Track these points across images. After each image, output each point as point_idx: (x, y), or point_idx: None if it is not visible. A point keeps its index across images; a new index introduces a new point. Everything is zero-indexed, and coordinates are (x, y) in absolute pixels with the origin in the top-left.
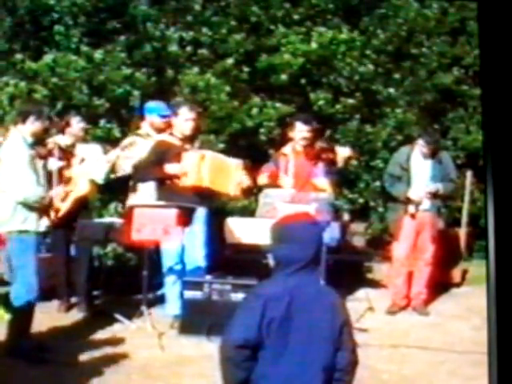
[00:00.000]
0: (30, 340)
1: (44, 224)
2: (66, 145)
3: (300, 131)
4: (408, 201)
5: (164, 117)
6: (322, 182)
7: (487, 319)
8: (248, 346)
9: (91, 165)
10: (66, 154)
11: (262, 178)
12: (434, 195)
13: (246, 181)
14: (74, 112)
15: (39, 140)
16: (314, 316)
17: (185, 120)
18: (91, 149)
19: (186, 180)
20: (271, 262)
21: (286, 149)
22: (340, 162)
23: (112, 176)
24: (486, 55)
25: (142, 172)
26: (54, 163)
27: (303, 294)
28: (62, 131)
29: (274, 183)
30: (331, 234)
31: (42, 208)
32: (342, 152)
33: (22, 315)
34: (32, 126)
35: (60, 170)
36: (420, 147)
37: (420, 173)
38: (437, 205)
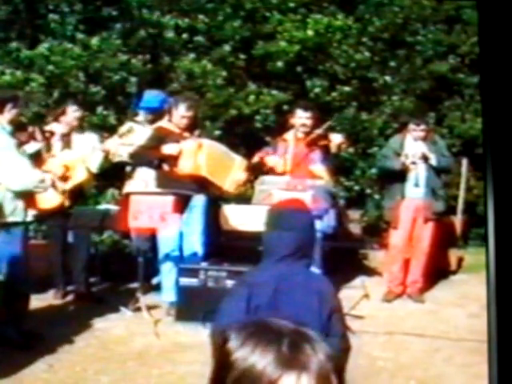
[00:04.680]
0: (18, 327)
1: (31, 213)
2: (62, 133)
3: (300, 118)
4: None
5: (146, 109)
6: (319, 168)
7: (487, 307)
8: None
9: (87, 153)
10: (46, 135)
11: (255, 158)
12: (425, 159)
13: (243, 180)
14: (71, 101)
15: (18, 126)
16: (301, 303)
17: (181, 117)
18: (87, 137)
19: (182, 168)
20: (262, 248)
21: (288, 135)
22: (333, 149)
23: (107, 164)
24: (484, 42)
25: (139, 156)
26: (33, 146)
27: (290, 281)
28: (57, 119)
29: (263, 162)
30: (327, 221)
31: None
32: (335, 139)
33: (11, 305)
34: (9, 114)
35: (40, 153)
36: (412, 132)
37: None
38: (431, 186)
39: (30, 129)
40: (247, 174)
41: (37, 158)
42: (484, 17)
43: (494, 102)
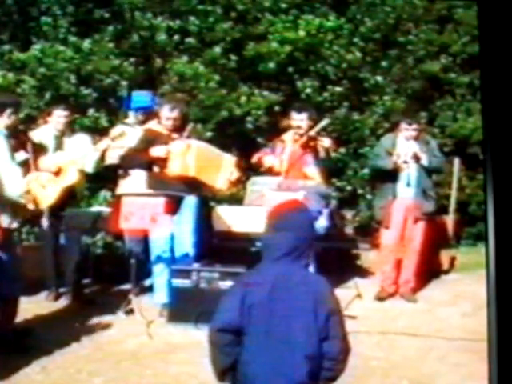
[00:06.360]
0: (12, 329)
1: (17, 221)
2: (54, 134)
3: (294, 120)
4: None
5: (138, 110)
6: (312, 170)
7: (487, 306)
8: (229, 330)
9: (80, 154)
10: (36, 147)
11: (254, 158)
12: (417, 159)
13: (236, 177)
14: (62, 106)
15: (13, 133)
16: (297, 303)
17: (166, 118)
18: (80, 139)
19: (171, 169)
20: (260, 249)
21: (286, 136)
22: (321, 153)
23: (103, 164)
24: (484, 39)
25: (129, 159)
26: (21, 155)
27: (287, 281)
28: (45, 121)
29: (261, 162)
30: (320, 221)
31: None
32: (324, 142)
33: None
34: (8, 119)
35: (28, 162)
36: (403, 131)
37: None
38: (422, 187)
39: (23, 138)
40: (239, 171)
41: (23, 167)
42: (484, 14)
43: (494, 101)
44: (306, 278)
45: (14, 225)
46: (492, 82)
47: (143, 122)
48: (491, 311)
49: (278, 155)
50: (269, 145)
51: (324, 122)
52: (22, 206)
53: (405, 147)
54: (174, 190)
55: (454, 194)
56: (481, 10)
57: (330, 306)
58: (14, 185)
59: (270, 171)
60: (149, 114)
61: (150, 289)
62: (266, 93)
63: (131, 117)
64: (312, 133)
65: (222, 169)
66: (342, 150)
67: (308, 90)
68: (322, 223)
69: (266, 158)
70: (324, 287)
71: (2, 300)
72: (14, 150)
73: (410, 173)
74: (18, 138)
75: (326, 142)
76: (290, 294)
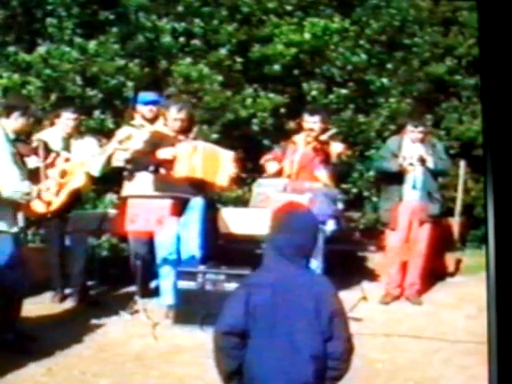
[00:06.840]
0: (14, 331)
1: (17, 226)
2: (62, 136)
3: (306, 122)
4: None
5: (147, 103)
6: (323, 174)
7: (487, 308)
8: (234, 333)
9: (87, 158)
10: (50, 153)
11: (262, 160)
12: (423, 161)
13: (235, 172)
14: (71, 108)
15: (21, 137)
16: (300, 305)
17: (173, 120)
18: (86, 142)
19: (178, 171)
20: (263, 250)
21: (297, 137)
22: (333, 158)
23: (109, 167)
24: (484, 42)
25: (136, 161)
26: (34, 162)
27: (290, 283)
28: (52, 124)
29: (264, 167)
30: (328, 225)
31: (26, 204)
32: (335, 148)
33: (6, 310)
34: (15, 122)
35: (39, 169)
36: (409, 133)
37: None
38: (427, 189)
39: (35, 144)
40: (237, 166)
41: (34, 174)
42: (484, 17)
43: (494, 103)
44: (309, 279)
45: (15, 229)
46: (492, 84)
47: (150, 121)
48: (491, 313)
49: (288, 157)
50: (280, 146)
51: (331, 132)
52: (25, 207)
53: (411, 149)
54: (180, 192)
55: (459, 196)
56: (481, 12)
57: (333, 307)
58: (14, 186)
59: (279, 174)
60: (156, 112)
61: (156, 290)
62: (271, 95)
63: (137, 118)
64: (324, 137)
65: (221, 165)
66: (348, 152)
67: (314, 93)
68: (330, 227)
69: (269, 164)
70: (327, 288)
71: (8, 298)
72: (26, 155)
73: (415, 175)
74: (29, 143)
75: (338, 147)
76: (293, 295)
